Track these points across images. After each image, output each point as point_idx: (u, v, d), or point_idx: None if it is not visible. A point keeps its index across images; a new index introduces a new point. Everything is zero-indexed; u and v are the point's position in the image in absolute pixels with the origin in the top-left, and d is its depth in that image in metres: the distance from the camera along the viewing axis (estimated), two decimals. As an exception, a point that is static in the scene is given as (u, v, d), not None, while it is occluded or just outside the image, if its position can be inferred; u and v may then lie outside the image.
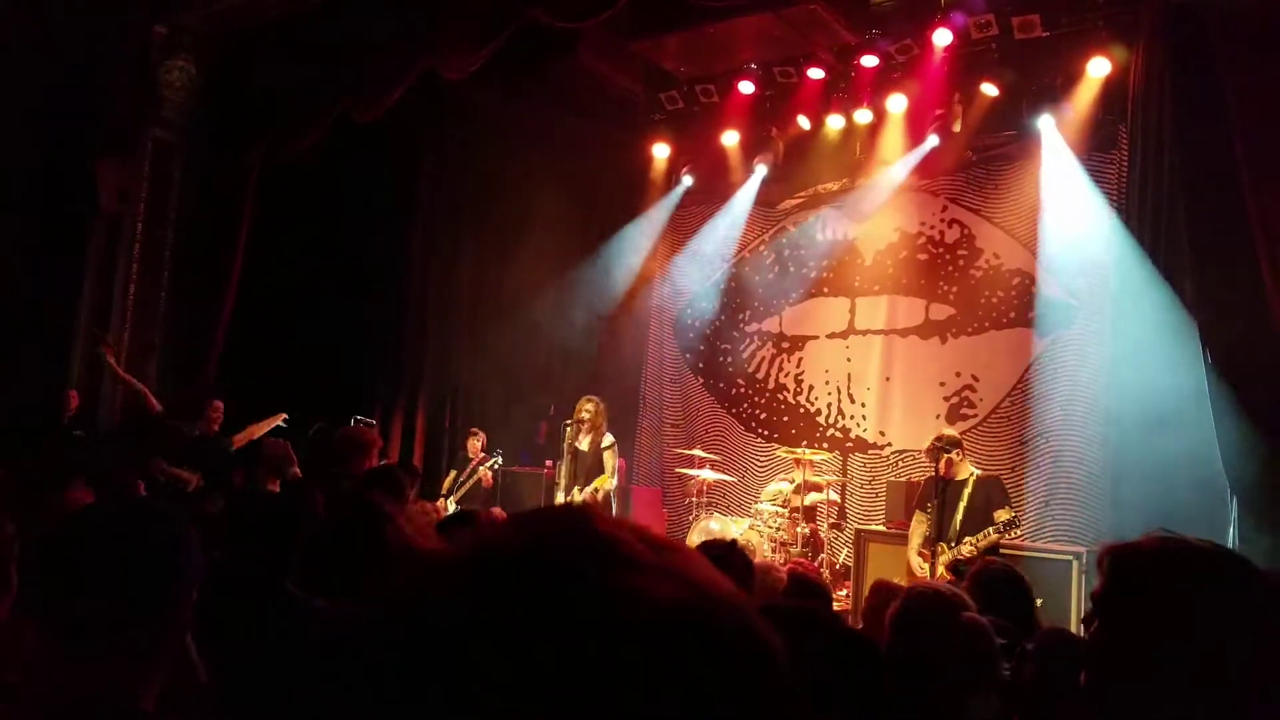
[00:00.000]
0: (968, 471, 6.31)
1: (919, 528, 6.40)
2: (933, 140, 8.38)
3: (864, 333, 9.07)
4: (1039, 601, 4.11)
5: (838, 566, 8.03)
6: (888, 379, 8.85)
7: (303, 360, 8.67)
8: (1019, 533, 6.29)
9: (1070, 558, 6.46)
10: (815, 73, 8.55)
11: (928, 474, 6.48)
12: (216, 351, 8.96)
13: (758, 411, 9.63)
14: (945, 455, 6.21)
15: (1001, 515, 6.02)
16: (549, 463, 8.57)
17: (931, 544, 6.08)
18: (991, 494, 6.17)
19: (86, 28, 8.54)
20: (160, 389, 8.74)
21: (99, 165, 8.48)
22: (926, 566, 6.09)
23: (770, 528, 7.84)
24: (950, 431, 6.77)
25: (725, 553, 3.01)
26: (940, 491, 6.16)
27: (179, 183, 9.18)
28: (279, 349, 8.77)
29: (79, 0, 8.43)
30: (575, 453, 7.59)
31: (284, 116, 8.78)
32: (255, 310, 9.03)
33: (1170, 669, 1.33)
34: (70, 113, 8.44)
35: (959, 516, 6.16)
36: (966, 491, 6.20)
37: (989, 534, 5.96)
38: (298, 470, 4.84)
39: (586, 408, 7.52)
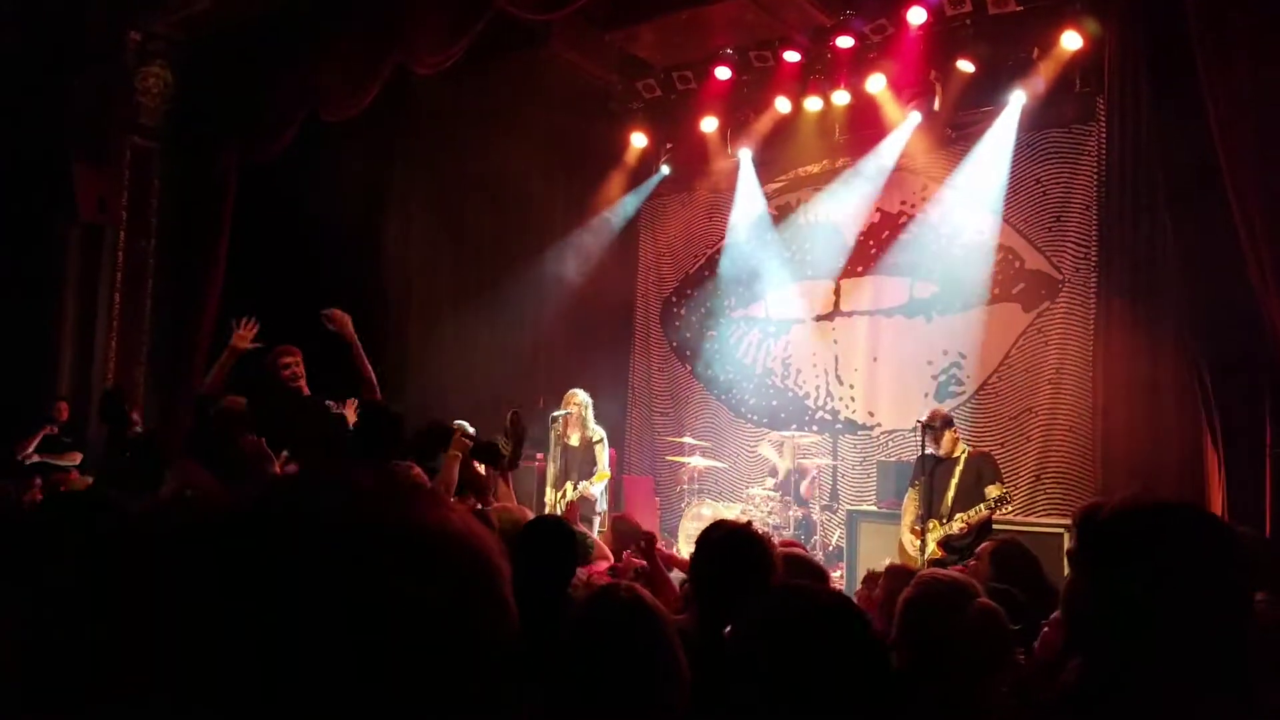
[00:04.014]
0: (960, 449, 6.35)
1: (911, 505, 6.42)
2: (911, 119, 8.37)
3: (849, 314, 9.07)
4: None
5: (831, 548, 8.06)
6: (875, 359, 8.86)
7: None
8: (1010, 508, 6.31)
9: (1061, 531, 6.47)
10: (791, 55, 8.51)
11: (919, 452, 6.50)
12: (203, 358, 8.90)
13: (746, 397, 9.63)
14: (935, 433, 6.24)
15: (993, 491, 6.04)
16: (539, 456, 8.52)
17: (923, 521, 6.10)
18: (983, 470, 6.20)
19: (58, 33, 8.45)
20: (147, 398, 8.72)
21: (76, 168, 8.37)
22: (918, 543, 6.11)
23: (762, 511, 7.86)
24: (941, 409, 6.79)
25: (744, 531, 2.88)
26: (932, 469, 6.20)
27: (158, 190, 9.12)
28: (265, 352, 8.71)
29: (52, 6, 8.34)
30: (565, 448, 7.50)
31: (257, 119, 8.72)
32: (240, 314, 8.95)
33: (1145, 627, 1.32)
34: (43, 119, 8.35)
35: (950, 493, 6.19)
36: (958, 469, 6.24)
37: (980, 510, 5.99)
38: (278, 469, 4.77)
39: (575, 400, 7.45)
